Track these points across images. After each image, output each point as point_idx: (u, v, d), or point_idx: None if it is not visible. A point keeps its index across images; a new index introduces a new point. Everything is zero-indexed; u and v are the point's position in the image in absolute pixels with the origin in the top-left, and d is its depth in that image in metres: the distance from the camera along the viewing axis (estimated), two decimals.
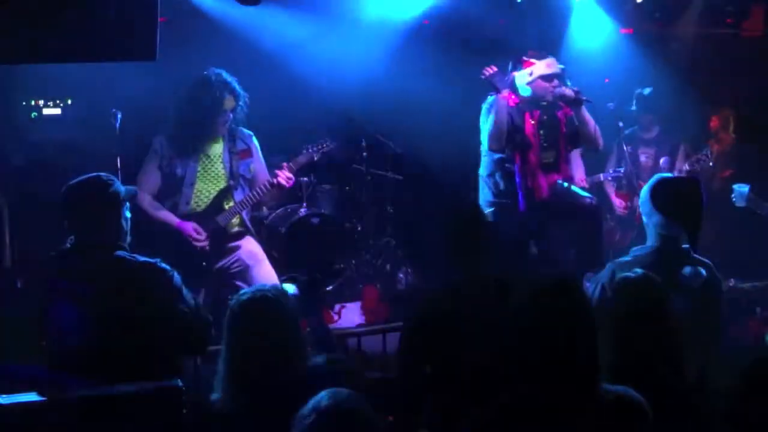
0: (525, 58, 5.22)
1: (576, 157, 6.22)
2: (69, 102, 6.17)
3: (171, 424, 2.96)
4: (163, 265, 3.19)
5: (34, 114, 6.12)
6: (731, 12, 7.42)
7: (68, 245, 3.23)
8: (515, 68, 5.25)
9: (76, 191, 3.24)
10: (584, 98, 5.14)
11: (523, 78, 5.20)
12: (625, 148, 6.28)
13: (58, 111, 6.16)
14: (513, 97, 5.22)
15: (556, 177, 5.32)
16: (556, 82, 5.17)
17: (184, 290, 3.19)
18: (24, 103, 6.10)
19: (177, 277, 3.18)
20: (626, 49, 7.42)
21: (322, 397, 2.16)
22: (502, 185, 5.27)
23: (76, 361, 3.05)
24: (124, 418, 2.93)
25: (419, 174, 7.18)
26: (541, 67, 5.17)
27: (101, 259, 3.15)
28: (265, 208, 6.61)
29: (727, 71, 7.31)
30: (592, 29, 7.30)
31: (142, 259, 3.20)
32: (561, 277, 2.36)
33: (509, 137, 5.16)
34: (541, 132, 5.23)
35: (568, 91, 5.13)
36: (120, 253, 3.18)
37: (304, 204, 6.57)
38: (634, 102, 6.42)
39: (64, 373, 3.06)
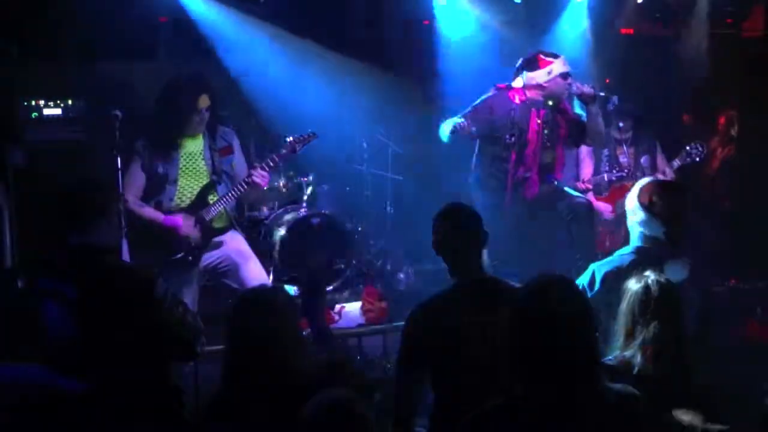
0: (542, 57, 5.25)
1: (585, 156, 6.21)
2: (69, 102, 6.17)
3: (171, 424, 2.97)
4: (148, 270, 3.19)
5: (34, 114, 6.12)
6: (731, 12, 7.42)
7: (61, 245, 3.24)
8: (529, 68, 5.25)
9: (67, 193, 3.27)
10: (600, 93, 5.23)
11: (540, 77, 5.21)
12: (603, 150, 6.28)
13: (58, 111, 6.16)
14: (520, 94, 5.25)
15: (550, 177, 5.33)
16: (570, 79, 5.23)
17: (170, 297, 3.19)
18: (24, 103, 6.10)
19: (161, 284, 3.18)
20: (626, 49, 7.42)
21: (322, 398, 2.16)
22: (493, 184, 5.27)
23: (66, 363, 3.06)
24: (125, 417, 2.94)
25: (419, 174, 7.18)
26: (559, 65, 5.22)
27: (87, 262, 3.16)
28: (265, 208, 6.61)
29: (727, 71, 7.31)
30: (593, 29, 7.31)
31: (127, 264, 3.20)
32: (557, 275, 2.36)
33: (506, 133, 5.18)
34: (545, 132, 5.26)
35: (587, 88, 5.18)
36: (106, 257, 3.19)
37: (304, 204, 6.56)
38: (611, 105, 6.34)
39: (60, 373, 3.08)
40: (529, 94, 5.25)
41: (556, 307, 2.21)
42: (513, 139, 5.18)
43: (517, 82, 5.28)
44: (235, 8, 6.60)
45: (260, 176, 4.84)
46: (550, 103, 5.27)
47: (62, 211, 3.26)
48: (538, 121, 5.24)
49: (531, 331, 2.21)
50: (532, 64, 5.26)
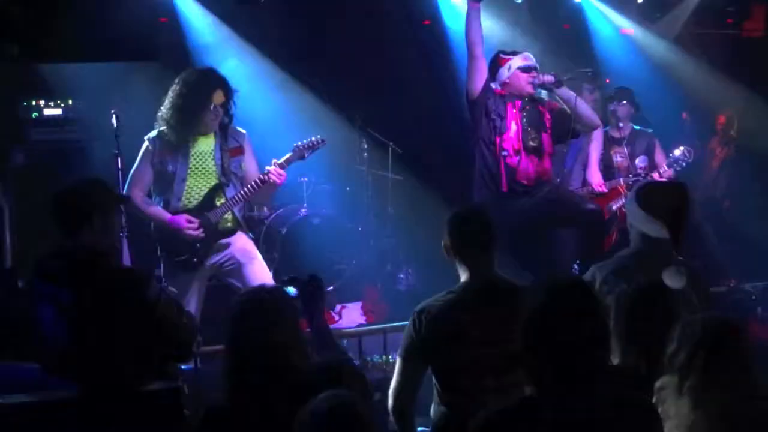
0: (501, 56, 5.28)
1: (593, 162, 6.17)
2: (69, 102, 6.17)
3: (171, 424, 2.97)
4: (141, 272, 3.19)
5: (34, 114, 6.12)
6: (731, 12, 7.43)
7: (56, 247, 3.24)
8: (495, 68, 5.26)
9: (65, 193, 3.27)
10: (564, 78, 5.20)
11: (503, 74, 5.22)
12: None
13: (58, 111, 6.16)
14: (498, 89, 5.26)
15: (542, 163, 5.27)
16: (534, 73, 5.21)
17: (163, 298, 3.19)
18: (24, 103, 6.10)
19: (154, 285, 3.18)
20: (627, 49, 7.43)
21: (322, 399, 2.16)
22: (491, 171, 5.24)
23: (62, 363, 3.06)
24: (125, 418, 2.94)
25: (419, 174, 7.18)
26: (518, 60, 5.23)
27: (82, 263, 3.16)
28: (265, 209, 6.60)
29: (727, 71, 7.31)
30: (593, 29, 7.33)
31: (120, 266, 3.21)
32: (572, 277, 2.35)
33: (488, 121, 5.19)
34: (524, 119, 5.23)
35: (547, 77, 5.18)
36: (100, 259, 3.19)
37: (305, 204, 6.57)
38: (614, 94, 6.39)
39: (55, 375, 3.08)
40: (499, 91, 5.25)
41: (574, 309, 2.20)
42: (496, 121, 5.19)
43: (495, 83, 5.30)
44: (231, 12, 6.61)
45: (277, 174, 4.79)
46: (526, 98, 5.25)
47: (57, 214, 3.26)
48: (514, 111, 5.22)
49: (547, 332, 2.20)
50: (495, 64, 5.28)
